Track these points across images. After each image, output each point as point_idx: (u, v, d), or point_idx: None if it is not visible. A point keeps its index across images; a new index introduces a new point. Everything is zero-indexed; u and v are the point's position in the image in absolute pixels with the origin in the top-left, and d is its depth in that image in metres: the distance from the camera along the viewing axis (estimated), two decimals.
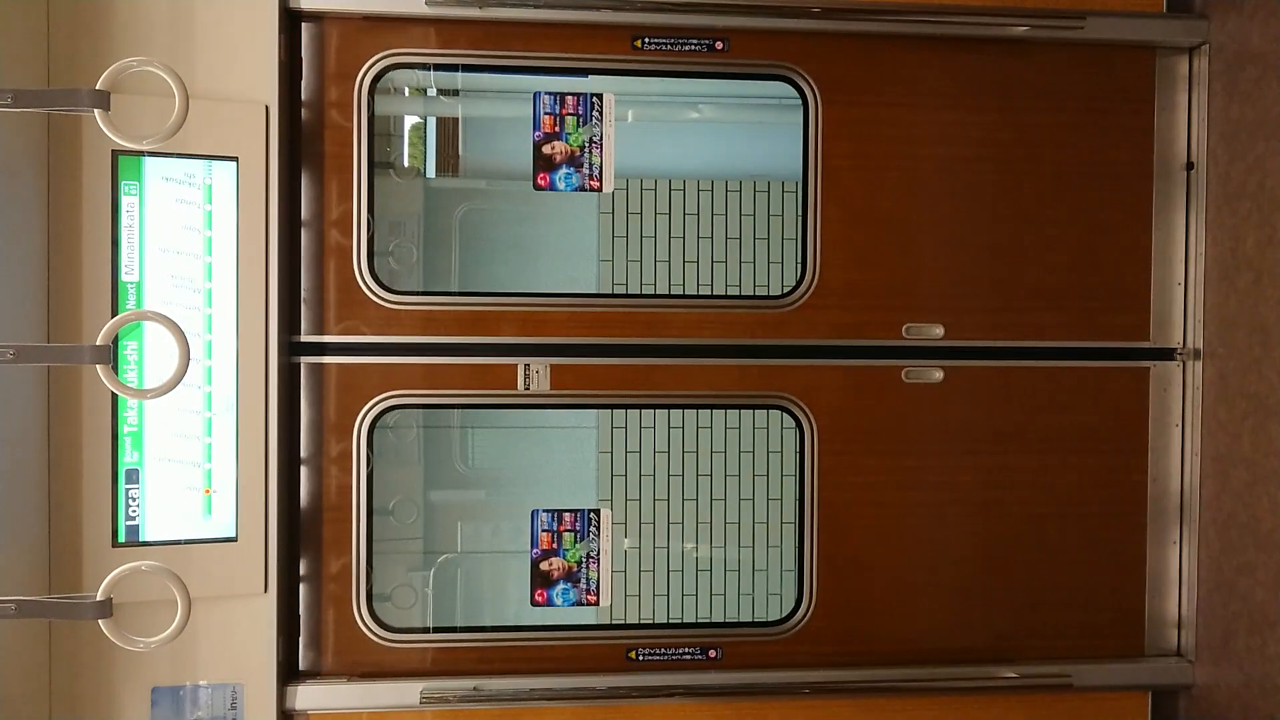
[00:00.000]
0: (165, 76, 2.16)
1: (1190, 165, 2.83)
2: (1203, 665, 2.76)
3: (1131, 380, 2.84)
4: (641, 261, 3.38)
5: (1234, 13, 2.66)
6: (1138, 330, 2.84)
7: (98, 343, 2.11)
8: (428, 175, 3.49)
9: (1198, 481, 2.79)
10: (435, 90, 3.31)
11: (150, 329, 2.39)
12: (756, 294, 3.35)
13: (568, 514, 2.79)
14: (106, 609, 2.13)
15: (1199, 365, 2.79)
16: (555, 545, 2.78)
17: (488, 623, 3.47)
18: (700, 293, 3.37)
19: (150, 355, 2.44)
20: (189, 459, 2.50)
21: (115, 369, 2.17)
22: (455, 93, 3.36)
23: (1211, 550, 2.73)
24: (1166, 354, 2.84)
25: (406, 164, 3.39)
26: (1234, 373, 2.66)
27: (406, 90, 3.28)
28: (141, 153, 2.41)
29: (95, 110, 2.11)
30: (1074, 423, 2.82)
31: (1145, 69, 2.83)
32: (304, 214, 2.64)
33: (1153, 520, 2.85)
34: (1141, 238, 2.83)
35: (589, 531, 2.78)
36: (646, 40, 2.69)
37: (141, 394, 2.34)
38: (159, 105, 2.21)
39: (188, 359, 2.16)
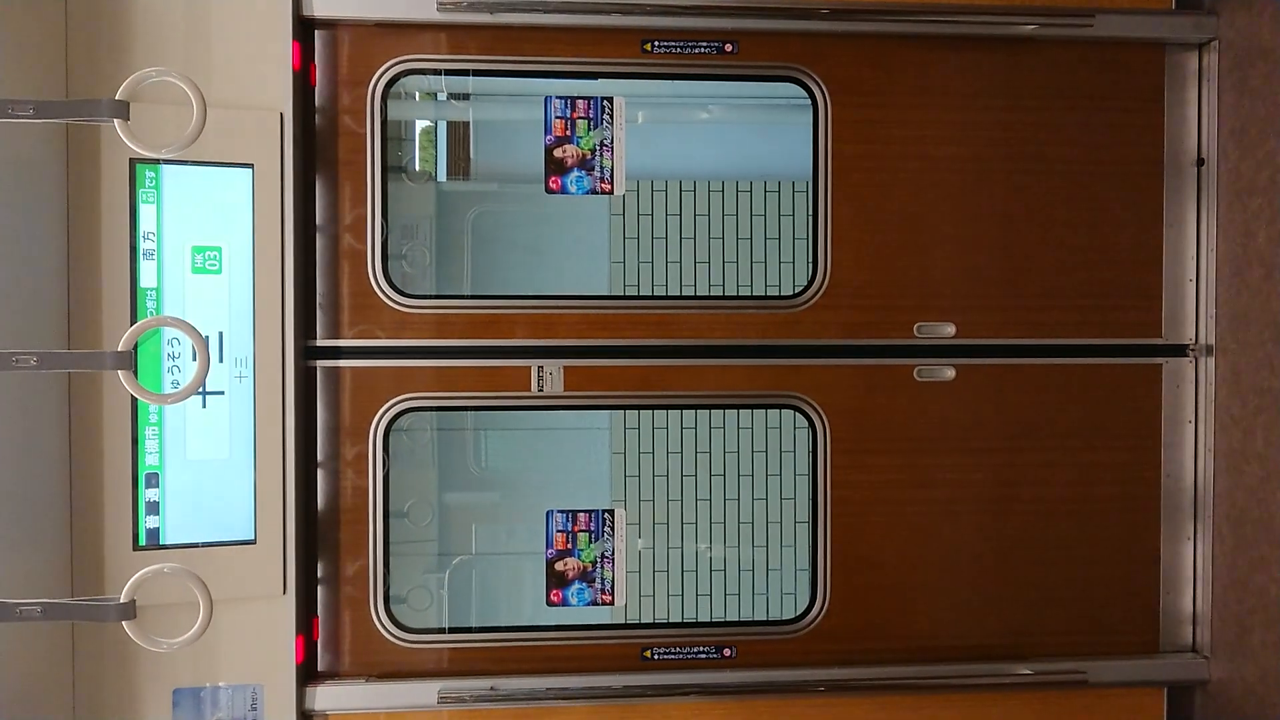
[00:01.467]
0: (183, 86, 2.19)
1: (1201, 161, 2.82)
2: (1218, 661, 2.76)
3: (1144, 376, 2.84)
4: (653, 263, 3.40)
5: (1243, 9, 2.66)
6: (1150, 327, 2.84)
7: (119, 349, 2.14)
8: (439, 179, 3.52)
9: (1211, 477, 2.79)
10: (446, 95, 3.33)
11: (168, 334, 2.43)
12: (768, 294, 3.36)
13: (582, 514, 2.80)
14: (130, 611, 2.15)
15: (1211, 361, 2.79)
16: (570, 546, 2.79)
17: (503, 623, 3.49)
18: (712, 293, 3.39)
19: (168, 360, 2.47)
20: (208, 462, 2.53)
21: (135, 374, 2.19)
22: (466, 97, 3.39)
23: (1225, 546, 2.73)
24: (1179, 350, 2.84)
25: (418, 168, 3.42)
26: (1246, 368, 2.65)
27: (418, 95, 3.30)
28: (159, 161, 2.44)
29: (115, 120, 2.13)
30: (1086, 419, 2.82)
31: (1155, 66, 2.82)
32: (318, 219, 2.66)
33: (1166, 516, 2.85)
34: (1153, 234, 2.83)
35: (603, 532, 2.80)
36: (656, 44, 2.71)
37: (162, 399, 2.37)
38: (176, 114, 2.24)
39: (207, 364, 2.19)
